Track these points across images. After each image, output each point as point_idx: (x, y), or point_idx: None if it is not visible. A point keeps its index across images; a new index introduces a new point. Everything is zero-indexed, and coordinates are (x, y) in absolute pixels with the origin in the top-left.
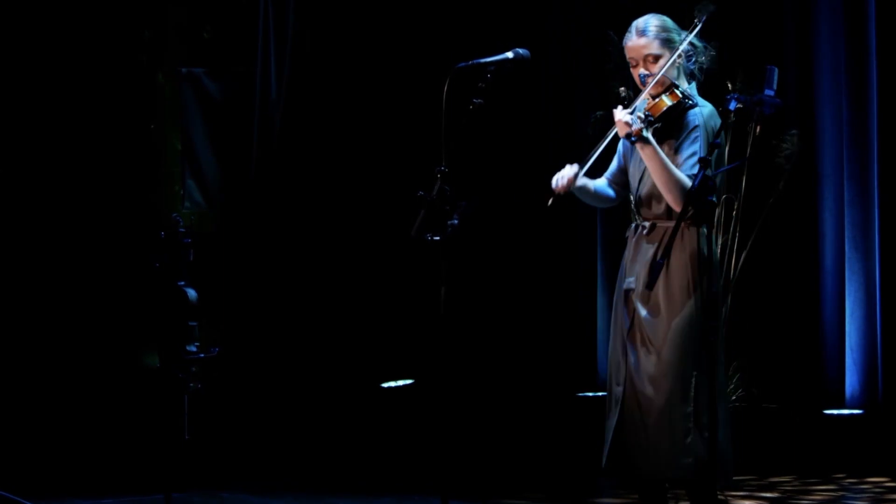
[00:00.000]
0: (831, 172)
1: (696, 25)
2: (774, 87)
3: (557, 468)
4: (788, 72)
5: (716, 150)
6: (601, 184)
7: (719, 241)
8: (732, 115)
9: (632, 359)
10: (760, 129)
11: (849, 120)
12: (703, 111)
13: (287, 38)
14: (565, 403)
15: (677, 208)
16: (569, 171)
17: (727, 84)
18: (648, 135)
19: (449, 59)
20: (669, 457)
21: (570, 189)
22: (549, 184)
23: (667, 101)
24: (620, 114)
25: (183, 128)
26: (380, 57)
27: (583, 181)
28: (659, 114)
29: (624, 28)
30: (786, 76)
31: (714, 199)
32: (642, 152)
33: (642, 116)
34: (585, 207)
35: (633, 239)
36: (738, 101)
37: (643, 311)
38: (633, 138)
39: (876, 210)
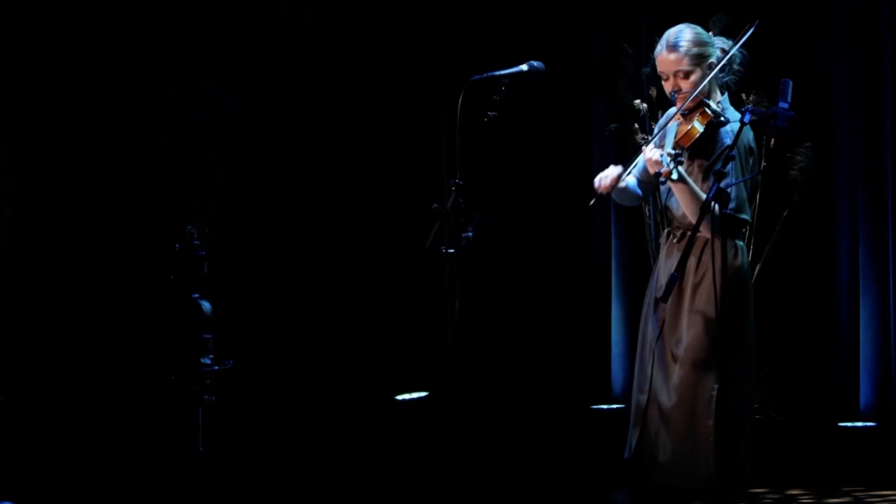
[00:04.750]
0: (846, 185)
1: (740, 37)
2: (789, 99)
3: (571, 481)
4: (802, 84)
5: (732, 163)
6: (632, 183)
7: None
8: (751, 133)
9: (658, 368)
10: (775, 141)
11: (863, 132)
12: (734, 129)
13: (301, 51)
14: (579, 416)
15: (707, 234)
16: (612, 171)
17: (742, 96)
18: (680, 171)
19: (464, 71)
20: (689, 468)
21: (613, 190)
22: (593, 186)
23: (698, 127)
24: (651, 152)
25: (197, 141)
26: (395, 70)
27: (625, 183)
28: (690, 144)
29: (638, 41)
30: (800, 89)
31: (727, 211)
32: (673, 187)
33: (672, 154)
34: (600, 220)
35: (665, 247)
36: (752, 113)
37: (670, 321)
38: (662, 179)
39: (890, 222)
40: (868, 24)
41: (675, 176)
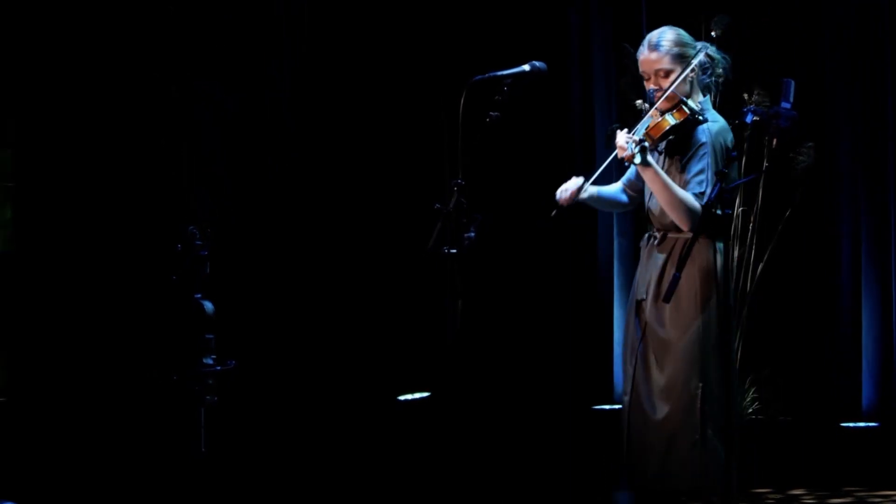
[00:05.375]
0: (847, 185)
1: (700, 51)
2: (791, 99)
3: (572, 481)
4: (803, 84)
5: (734, 163)
6: (614, 189)
7: (735, 254)
8: (749, 127)
9: (640, 370)
10: (777, 141)
11: (865, 132)
12: (711, 128)
13: (301, 51)
14: (581, 416)
15: (684, 227)
16: (572, 183)
17: (743, 96)
18: (647, 158)
19: (466, 71)
20: (677, 468)
21: (576, 201)
22: (555, 196)
23: (670, 120)
24: (620, 137)
25: (197, 141)
26: (397, 68)
27: (589, 192)
28: (660, 135)
29: (640, 41)
30: (800, 89)
31: (730, 211)
32: (643, 175)
33: (637, 140)
34: (603, 219)
35: (646, 249)
36: (754, 113)
37: (652, 323)
38: (626, 164)
39: (892, 222)
40: (869, 24)
41: (637, 160)
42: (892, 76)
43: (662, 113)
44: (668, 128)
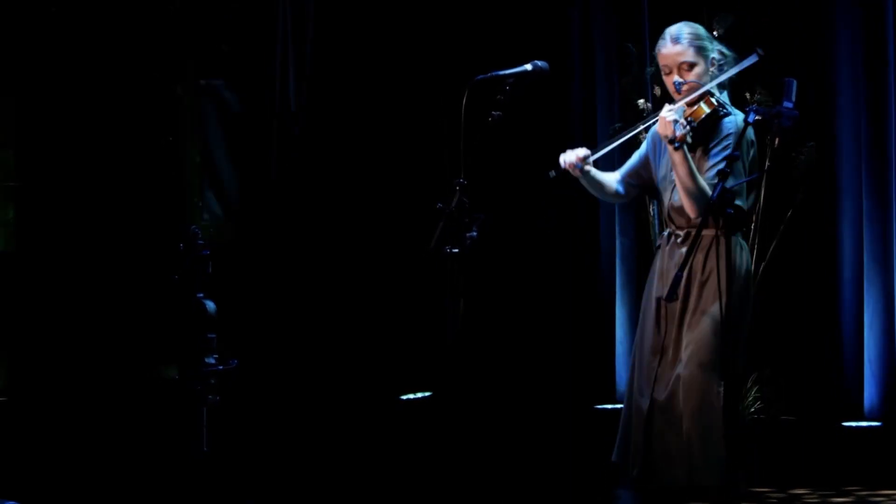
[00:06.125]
0: (850, 184)
1: (743, 59)
2: (793, 99)
3: (574, 480)
4: (804, 84)
5: (735, 163)
6: (612, 178)
7: None
8: (751, 127)
9: (665, 368)
10: (779, 141)
11: (867, 131)
12: (737, 119)
13: (306, 49)
14: (583, 415)
15: (693, 216)
16: (579, 151)
17: (745, 96)
18: (688, 140)
19: (468, 70)
20: (704, 464)
21: (576, 169)
22: (559, 172)
23: (705, 108)
24: (667, 112)
25: (202, 140)
26: (399, 68)
27: (590, 168)
28: (699, 120)
29: (642, 41)
30: (801, 88)
31: (731, 211)
32: (674, 156)
33: (684, 122)
34: (604, 219)
35: (667, 248)
36: (756, 113)
37: (678, 321)
38: (676, 144)
39: (894, 221)
40: (870, 23)
41: (689, 139)
42: (894, 75)
43: (692, 105)
44: (704, 115)
